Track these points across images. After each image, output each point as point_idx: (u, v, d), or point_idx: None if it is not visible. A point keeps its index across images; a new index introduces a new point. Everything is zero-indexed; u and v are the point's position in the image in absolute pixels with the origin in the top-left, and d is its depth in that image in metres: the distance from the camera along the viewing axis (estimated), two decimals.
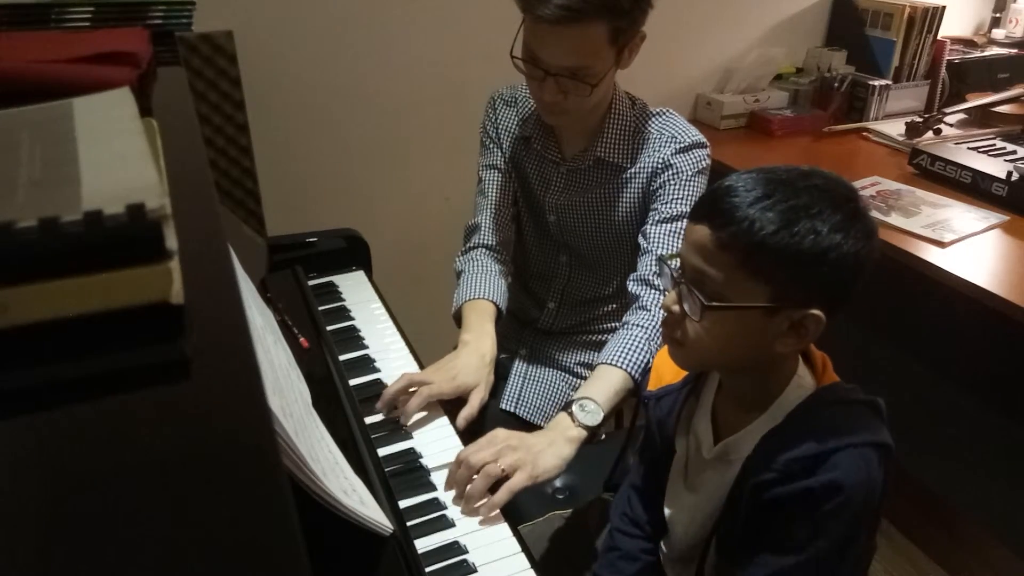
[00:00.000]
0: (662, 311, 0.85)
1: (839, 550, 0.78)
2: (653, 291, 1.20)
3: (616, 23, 1.12)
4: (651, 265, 1.22)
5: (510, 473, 0.96)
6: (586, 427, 1.05)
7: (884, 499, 0.83)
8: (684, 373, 0.94)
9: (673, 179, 1.25)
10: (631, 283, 1.25)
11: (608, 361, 1.14)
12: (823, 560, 0.78)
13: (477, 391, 1.14)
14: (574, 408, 1.06)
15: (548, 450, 1.01)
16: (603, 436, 1.34)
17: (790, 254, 0.73)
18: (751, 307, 0.76)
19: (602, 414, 1.07)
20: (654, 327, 1.17)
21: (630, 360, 1.13)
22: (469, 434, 1.09)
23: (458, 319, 1.30)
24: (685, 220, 0.83)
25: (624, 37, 1.16)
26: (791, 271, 0.74)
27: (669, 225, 1.23)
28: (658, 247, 1.22)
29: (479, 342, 1.20)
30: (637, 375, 1.13)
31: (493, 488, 0.95)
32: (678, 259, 0.82)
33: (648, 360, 1.13)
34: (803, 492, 0.76)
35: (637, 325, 1.18)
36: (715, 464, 0.88)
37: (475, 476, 0.96)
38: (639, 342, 1.15)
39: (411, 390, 1.09)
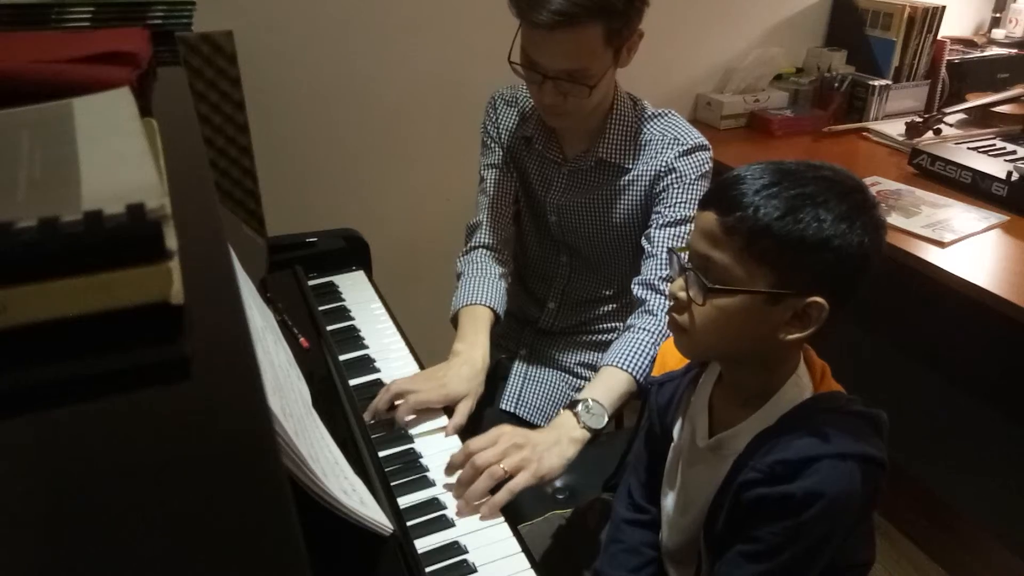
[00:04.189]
0: (668, 300, 0.85)
1: (809, 558, 0.79)
2: (658, 296, 1.20)
3: (611, 24, 1.12)
4: (655, 270, 1.22)
5: (513, 474, 0.97)
6: (590, 429, 1.05)
7: (867, 513, 0.84)
8: (688, 361, 0.95)
9: (676, 183, 1.25)
10: (636, 287, 1.25)
11: (613, 363, 1.14)
12: (791, 568, 0.79)
13: (465, 401, 1.12)
14: (579, 409, 1.06)
15: (553, 449, 1.01)
16: (603, 439, 1.34)
17: (794, 240, 0.74)
18: (754, 292, 0.77)
19: (606, 417, 1.07)
20: (659, 331, 1.17)
21: (634, 364, 1.13)
22: (468, 433, 1.09)
23: (455, 323, 1.30)
24: (688, 224, 0.84)
25: (620, 37, 1.16)
26: (795, 257, 0.75)
27: (673, 229, 1.23)
28: (662, 251, 1.22)
29: (470, 352, 1.19)
30: (641, 378, 1.13)
31: (495, 488, 0.96)
32: (687, 251, 0.83)
33: (652, 364, 1.13)
34: (783, 496, 0.77)
35: (643, 329, 1.18)
36: (708, 456, 0.88)
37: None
38: (644, 346, 1.15)
39: (397, 402, 1.09)
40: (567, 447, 1.03)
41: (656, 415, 0.98)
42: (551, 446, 1.01)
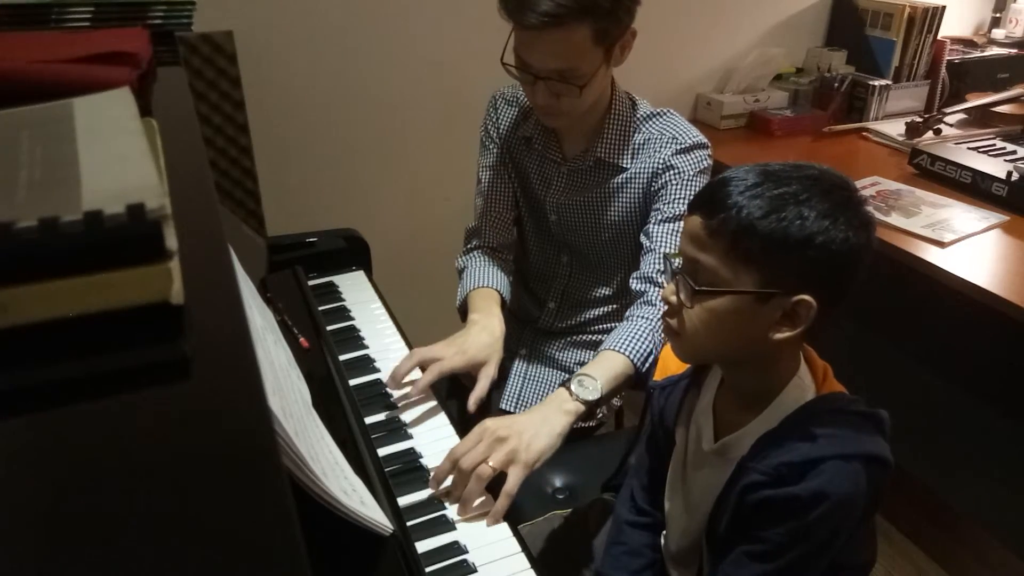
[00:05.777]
0: (661, 304, 0.85)
1: (812, 559, 0.79)
2: (657, 288, 1.21)
3: (599, 24, 1.13)
4: (654, 263, 1.23)
5: (503, 470, 0.95)
6: (584, 401, 1.04)
7: (871, 512, 0.84)
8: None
9: (675, 179, 1.25)
10: (634, 281, 1.25)
11: (611, 347, 1.14)
12: (795, 568, 0.79)
13: (486, 369, 1.14)
14: (572, 384, 1.06)
15: (541, 429, 1.00)
16: (601, 415, 1.34)
17: (777, 239, 0.74)
18: (741, 292, 0.77)
19: (600, 392, 1.07)
20: (658, 319, 1.17)
21: (633, 348, 1.14)
22: (465, 429, 1.09)
23: (463, 312, 1.32)
24: None
25: (609, 36, 1.16)
26: (779, 256, 0.75)
27: (672, 224, 1.24)
28: (661, 246, 1.23)
29: (487, 320, 1.22)
30: (639, 362, 1.13)
31: (490, 485, 0.95)
32: (679, 256, 0.83)
33: (651, 350, 1.14)
34: (789, 498, 0.77)
35: (642, 317, 1.18)
36: (713, 460, 0.88)
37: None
38: (643, 332, 1.16)
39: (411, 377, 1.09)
40: (557, 421, 1.01)
41: (658, 419, 0.98)
42: (539, 427, 1.00)
